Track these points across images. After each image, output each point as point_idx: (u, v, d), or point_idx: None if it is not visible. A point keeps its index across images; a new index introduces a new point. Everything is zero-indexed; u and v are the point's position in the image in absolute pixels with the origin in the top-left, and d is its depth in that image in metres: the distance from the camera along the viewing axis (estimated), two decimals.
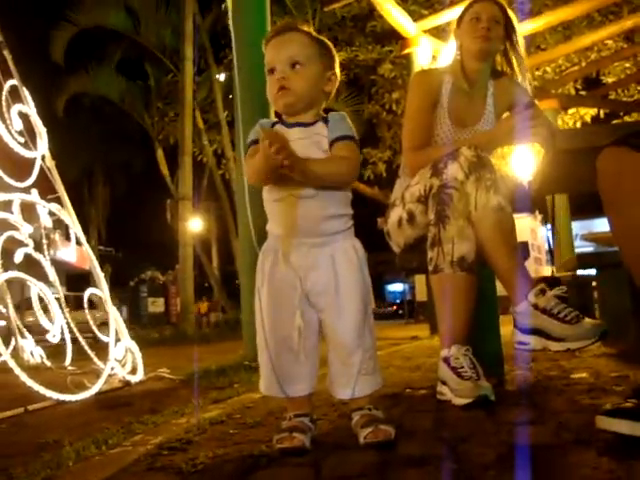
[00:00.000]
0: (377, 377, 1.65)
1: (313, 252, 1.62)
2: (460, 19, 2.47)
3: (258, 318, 1.67)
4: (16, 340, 4.44)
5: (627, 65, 10.53)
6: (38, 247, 3.88)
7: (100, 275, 3.74)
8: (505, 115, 2.58)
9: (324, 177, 1.59)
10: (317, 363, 1.67)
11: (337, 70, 1.74)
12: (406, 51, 7.17)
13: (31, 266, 3.80)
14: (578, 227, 11.25)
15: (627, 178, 1.45)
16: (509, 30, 2.42)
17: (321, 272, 1.62)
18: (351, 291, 1.62)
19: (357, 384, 1.61)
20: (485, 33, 2.35)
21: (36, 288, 3.72)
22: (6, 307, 4.17)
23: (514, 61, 2.47)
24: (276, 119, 1.75)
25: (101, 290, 3.70)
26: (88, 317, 3.88)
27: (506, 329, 2.40)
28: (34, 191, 3.50)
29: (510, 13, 2.42)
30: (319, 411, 1.94)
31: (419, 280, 18.44)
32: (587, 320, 1.89)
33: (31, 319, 4.16)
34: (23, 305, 6.81)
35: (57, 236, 4.58)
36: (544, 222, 16.55)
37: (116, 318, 3.61)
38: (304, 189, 1.60)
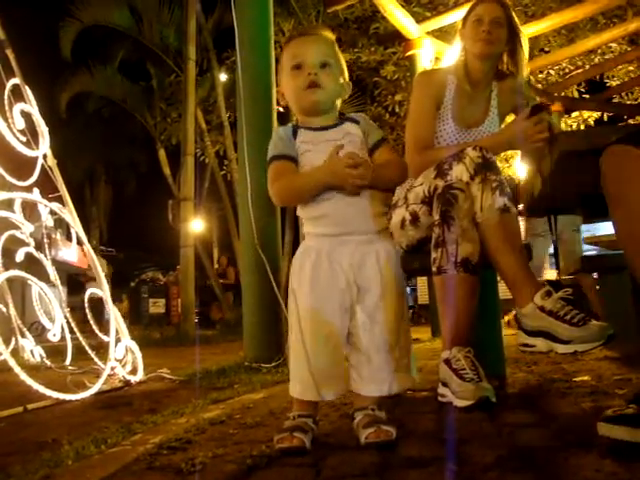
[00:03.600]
0: (412, 374, 1.71)
1: (360, 250, 1.66)
2: (464, 20, 2.47)
3: (294, 320, 1.66)
4: (16, 339, 4.43)
5: (631, 68, 10.50)
6: (39, 246, 3.88)
7: (101, 275, 3.73)
8: (509, 117, 2.58)
9: (387, 182, 1.72)
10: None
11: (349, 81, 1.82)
12: (409, 53, 7.16)
13: (31, 265, 3.80)
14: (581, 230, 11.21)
15: (632, 177, 1.44)
16: (514, 30, 2.41)
17: (368, 270, 1.65)
18: (393, 289, 1.67)
19: (394, 381, 1.64)
20: (486, 36, 2.36)
21: (37, 287, 3.71)
22: (6, 306, 4.17)
23: (518, 61, 2.46)
24: (294, 123, 1.76)
25: (102, 290, 3.69)
26: (89, 316, 3.87)
27: (508, 331, 2.39)
28: (36, 190, 3.50)
29: (513, 14, 2.42)
30: (320, 412, 1.93)
31: (421, 283, 18.40)
32: (594, 322, 1.88)
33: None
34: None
35: (58, 235, 4.57)
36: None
37: (117, 317, 3.60)
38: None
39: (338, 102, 1.77)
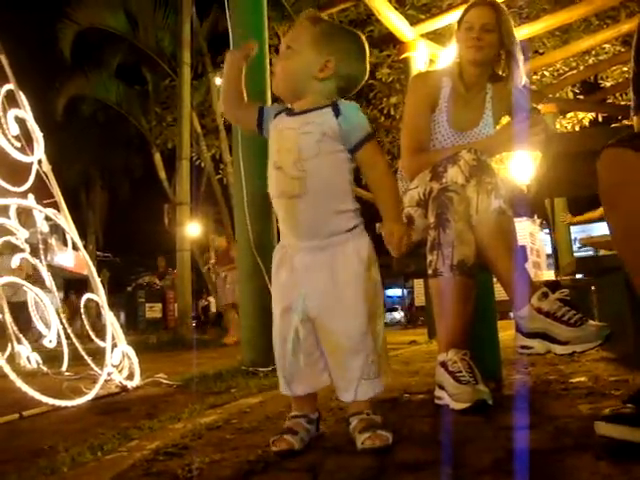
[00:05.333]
0: (380, 381, 1.61)
1: (313, 256, 1.62)
2: (458, 24, 2.46)
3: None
4: (12, 346, 4.42)
5: (625, 69, 10.52)
6: (35, 252, 3.87)
7: (97, 280, 3.72)
8: (503, 120, 2.58)
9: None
10: (321, 363, 1.66)
11: (338, 56, 1.67)
12: (404, 55, 7.17)
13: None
14: (577, 231, 11.25)
15: (629, 179, 1.44)
16: (505, 35, 2.38)
17: (320, 276, 1.60)
18: (350, 296, 1.59)
19: (359, 388, 1.59)
20: (476, 43, 2.34)
21: (32, 293, 3.70)
22: (2, 312, 4.15)
23: (511, 66, 2.44)
24: (287, 106, 1.75)
25: (98, 296, 3.68)
26: (85, 322, 3.86)
27: (504, 334, 2.39)
28: (31, 196, 3.49)
29: (505, 17, 2.39)
30: None
31: (418, 285, 18.42)
32: (591, 322, 1.88)
33: None
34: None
35: (54, 241, 4.56)
36: (543, 226, 16.56)
37: (113, 323, 3.59)
38: (292, 187, 1.60)
39: (312, 83, 1.67)
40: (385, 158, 1.71)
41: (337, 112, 1.62)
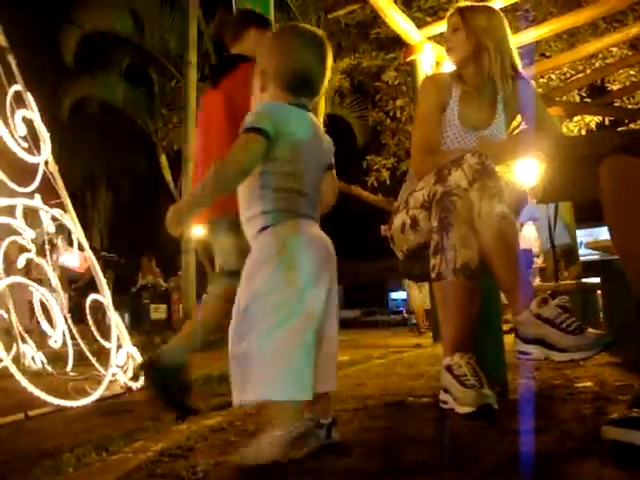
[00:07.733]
0: (244, 394, 1.51)
1: None
2: None
3: None
4: (17, 346, 4.42)
5: (632, 72, 10.49)
6: (41, 252, 3.88)
7: (102, 281, 3.73)
8: (516, 121, 2.58)
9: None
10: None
11: (263, 62, 1.73)
12: (410, 58, 7.15)
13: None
14: (583, 235, 11.21)
15: (630, 187, 1.43)
16: (470, 27, 2.35)
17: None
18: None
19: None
20: (448, 46, 2.44)
21: (38, 293, 3.71)
22: (8, 312, 4.17)
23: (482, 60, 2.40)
24: None
25: (103, 296, 3.69)
26: (90, 323, 3.87)
27: (509, 337, 2.38)
28: (37, 196, 3.50)
29: (470, 14, 2.37)
30: None
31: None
32: (590, 331, 1.87)
33: None
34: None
35: (60, 241, 4.58)
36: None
37: (118, 324, 3.59)
38: None
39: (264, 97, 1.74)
40: (234, 154, 1.57)
41: None
